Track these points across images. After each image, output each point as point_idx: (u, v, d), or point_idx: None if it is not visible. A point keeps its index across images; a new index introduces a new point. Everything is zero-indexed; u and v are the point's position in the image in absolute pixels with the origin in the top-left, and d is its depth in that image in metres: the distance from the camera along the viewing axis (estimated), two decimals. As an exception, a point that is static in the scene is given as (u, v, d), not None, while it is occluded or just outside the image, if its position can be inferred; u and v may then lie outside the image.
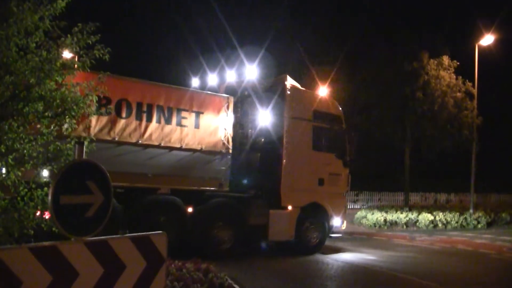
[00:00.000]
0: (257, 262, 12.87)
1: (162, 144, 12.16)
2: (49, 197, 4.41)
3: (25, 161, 7.27)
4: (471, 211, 28.08)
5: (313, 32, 32.14)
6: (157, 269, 5.29)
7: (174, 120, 12.36)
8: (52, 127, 7.49)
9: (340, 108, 16.37)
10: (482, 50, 29.24)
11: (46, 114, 7.35)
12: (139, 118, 11.75)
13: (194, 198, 12.91)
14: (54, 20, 7.54)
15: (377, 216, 25.82)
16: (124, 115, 11.55)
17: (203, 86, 15.62)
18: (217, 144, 13.20)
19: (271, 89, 14.89)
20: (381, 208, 29.12)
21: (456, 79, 29.49)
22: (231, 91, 14.73)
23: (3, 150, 6.95)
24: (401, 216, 25.63)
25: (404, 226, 25.15)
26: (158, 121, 12.10)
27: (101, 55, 7.84)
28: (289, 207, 14.56)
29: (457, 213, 27.02)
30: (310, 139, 15.15)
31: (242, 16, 30.32)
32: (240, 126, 14.10)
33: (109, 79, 10.57)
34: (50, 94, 7.16)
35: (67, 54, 7.97)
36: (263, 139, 14.74)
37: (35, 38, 7.28)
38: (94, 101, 8.15)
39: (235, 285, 9.09)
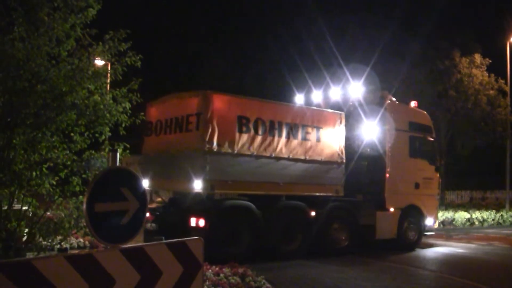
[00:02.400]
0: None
1: (290, 157, 13.29)
2: (84, 205, 4.37)
3: (59, 170, 7.30)
4: (507, 208, 27.64)
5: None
6: (194, 275, 5.23)
7: (300, 135, 13.56)
8: (85, 135, 7.54)
9: (429, 119, 17.92)
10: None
11: (80, 122, 7.38)
12: (271, 134, 12.94)
13: (316, 202, 14.05)
14: (85, 28, 7.58)
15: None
16: (260, 132, 12.73)
17: (308, 103, 16.89)
18: (334, 155, 14.38)
19: (373, 104, 16.13)
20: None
21: (489, 76, 29.04)
22: (337, 107, 15.93)
23: (37, 159, 6.98)
24: (438, 215, 25.26)
25: (441, 225, 24.82)
26: (287, 137, 13.27)
27: (132, 62, 7.88)
28: (392, 209, 15.85)
29: (493, 211, 26.61)
30: (407, 147, 16.52)
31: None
32: (349, 138, 15.32)
33: (248, 101, 13.00)
34: (83, 102, 7.17)
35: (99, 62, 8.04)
36: (368, 149, 15.99)
37: (66, 46, 7.25)
38: (128, 107, 8.15)
39: (273, 288, 9.03)
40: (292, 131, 13.36)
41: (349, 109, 16.08)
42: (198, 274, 5.25)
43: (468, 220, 24.92)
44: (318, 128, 13.99)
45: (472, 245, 17.78)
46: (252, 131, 12.55)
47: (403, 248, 16.03)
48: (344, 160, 14.64)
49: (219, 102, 12.20)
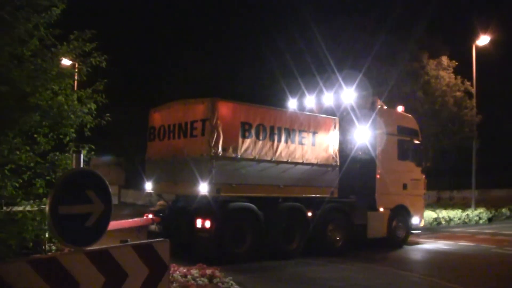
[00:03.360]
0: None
1: (289, 160, 13.91)
2: (47, 207, 4.29)
3: (22, 172, 7.15)
4: (472, 207, 28.10)
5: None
6: (160, 277, 5.18)
7: (297, 139, 14.17)
8: (50, 137, 7.40)
9: (416, 122, 18.84)
10: (480, 50, 29.26)
11: (44, 123, 7.23)
12: (272, 139, 13.57)
13: (312, 204, 14.67)
14: (50, 28, 7.43)
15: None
16: (261, 137, 13.35)
17: (301, 107, 17.65)
18: (329, 158, 15.01)
19: (365, 109, 16.94)
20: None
21: (455, 78, 29.52)
22: (330, 112, 16.64)
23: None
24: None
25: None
26: (286, 141, 13.88)
27: (97, 63, 7.76)
28: (382, 209, 16.69)
29: (460, 210, 27.03)
30: (396, 150, 17.35)
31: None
32: (342, 142, 15.97)
33: (250, 108, 13.52)
34: (47, 103, 7.02)
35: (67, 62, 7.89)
36: (360, 153, 16.67)
37: (30, 46, 7.13)
38: (93, 108, 8.04)
39: (241, 290, 9.00)
40: (290, 136, 14.00)
41: (341, 114, 16.74)
42: (164, 276, 5.21)
43: (435, 219, 25.24)
44: (314, 132, 14.64)
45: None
46: (254, 137, 13.20)
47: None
48: (338, 163, 15.28)
49: (224, 108, 12.76)
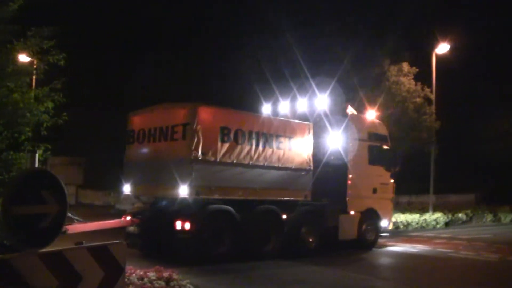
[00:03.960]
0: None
1: (266, 164, 14.26)
2: (0, 208, 4.19)
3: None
4: (430, 212, 28.48)
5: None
6: (116, 279, 5.13)
7: (274, 144, 14.53)
8: (4, 135, 7.22)
9: (386, 128, 19.40)
10: (440, 58, 29.75)
11: (-3, 121, 7.05)
12: (250, 143, 13.87)
13: (287, 206, 14.98)
14: (6, 24, 7.26)
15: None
16: (240, 141, 13.63)
17: (275, 113, 17.88)
18: (303, 162, 15.33)
19: (337, 115, 17.43)
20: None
21: (416, 85, 29.91)
22: (303, 118, 16.93)
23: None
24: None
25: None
26: (263, 146, 14.23)
27: (55, 60, 7.62)
28: (353, 212, 17.15)
29: (418, 214, 27.39)
30: (367, 155, 17.82)
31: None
32: (315, 147, 16.19)
33: (229, 112, 14.04)
34: (1, 101, 6.86)
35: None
36: (333, 157, 17.11)
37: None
38: (50, 107, 7.90)
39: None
40: (267, 141, 14.36)
41: (315, 120, 17.02)
42: (120, 278, 5.16)
43: (394, 223, 25.54)
44: (290, 137, 15.01)
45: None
46: (233, 141, 13.47)
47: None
48: (312, 167, 15.63)
49: (204, 113, 12.99)
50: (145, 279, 8.55)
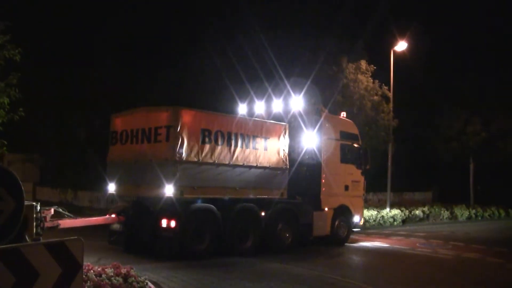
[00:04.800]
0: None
1: (244, 164, 14.91)
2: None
3: None
4: (387, 209, 28.75)
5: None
6: (73, 276, 5.10)
7: (251, 144, 15.18)
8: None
9: (356, 127, 20.19)
10: (397, 56, 30.06)
11: None
12: (229, 144, 14.51)
13: (264, 204, 15.63)
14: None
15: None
16: (220, 142, 14.27)
17: (250, 113, 18.51)
18: (279, 162, 16.03)
19: (311, 116, 18.05)
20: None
21: (373, 83, 30.13)
22: (278, 118, 17.66)
23: None
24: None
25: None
26: (242, 146, 14.85)
27: (11, 56, 7.53)
28: (326, 209, 17.84)
29: (375, 212, 27.60)
30: (339, 154, 18.58)
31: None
32: (290, 146, 16.86)
33: (210, 115, 14.66)
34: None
35: None
36: (307, 156, 17.71)
37: None
38: (6, 103, 7.80)
39: (155, 288, 8.96)
40: (245, 141, 15.03)
41: (290, 120, 17.72)
42: (77, 275, 5.13)
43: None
44: (266, 138, 15.72)
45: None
46: (213, 142, 14.15)
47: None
48: (288, 166, 16.33)
49: (186, 116, 13.62)
50: (103, 276, 8.53)
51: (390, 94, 29.56)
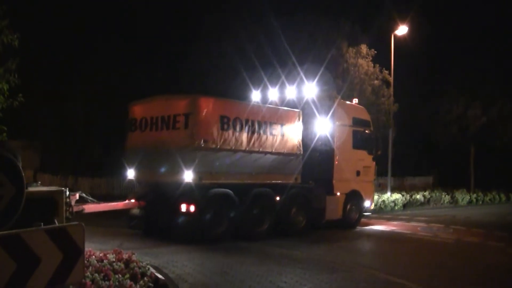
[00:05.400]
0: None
1: (261, 150, 15.25)
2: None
3: None
4: (388, 193, 28.74)
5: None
6: (75, 261, 5.09)
7: (267, 131, 15.53)
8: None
9: (368, 114, 20.59)
10: (398, 40, 29.91)
11: None
12: (246, 131, 14.83)
13: (279, 189, 15.98)
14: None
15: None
16: (237, 129, 14.57)
17: (264, 100, 18.75)
18: (294, 148, 16.35)
19: (324, 102, 18.36)
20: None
21: (374, 67, 30.06)
22: (291, 105, 17.87)
23: None
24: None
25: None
26: (258, 132, 15.20)
27: (9, 41, 7.46)
28: (338, 194, 18.27)
29: (376, 196, 27.53)
30: (351, 140, 18.94)
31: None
32: (304, 133, 17.08)
33: (228, 102, 15.14)
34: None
35: None
36: (320, 143, 18.07)
37: None
38: (5, 89, 7.75)
39: (158, 274, 8.94)
40: (262, 128, 15.35)
41: (303, 107, 17.88)
42: (79, 260, 5.12)
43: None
44: (281, 124, 16.01)
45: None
46: (232, 129, 14.44)
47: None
48: (302, 152, 16.64)
49: (205, 104, 13.89)
50: (105, 261, 8.53)
51: (391, 79, 29.48)
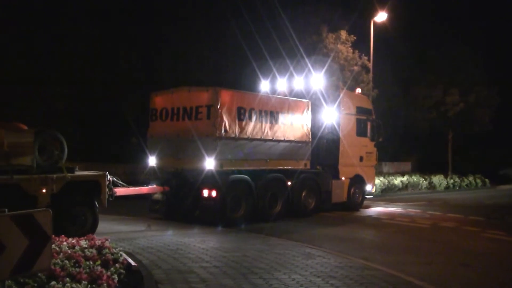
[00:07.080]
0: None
1: (274, 138, 16.51)
2: None
3: None
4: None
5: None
6: (42, 248, 5.03)
7: (279, 120, 16.73)
8: None
9: (370, 102, 22.22)
10: (377, 26, 29.95)
11: None
12: (260, 120, 16.07)
13: (291, 174, 17.32)
14: None
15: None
16: (253, 119, 15.78)
17: (273, 90, 19.86)
18: (303, 136, 17.65)
19: (331, 92, 19.69)
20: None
21: (353, 53, 30.10)
22: (299, 95, 19.08)
23: None
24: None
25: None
26: (271, 122, 16.42)
27: None
28: (343, 178, 19.75)
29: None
30: (355, 128, 20.37)
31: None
32: (312, 122, 18.27)
33: (244, 94, 16.19)
34: None
35: None
36: (327, 131, 19.39)
37: None
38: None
39: (130, 260, 8.86)
40: (274, 118, 16.56)
41: (311, 97, 19.00)
42: (46, 247, 5.04)
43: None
44: (292, 114, 17.24)
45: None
46: (248, 119, 15.65)
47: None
48: (310, 140, 17.94)
49: (225, 96, 14.94)
50: (77, 247, 8.40)
51: (370, 65, 29.58)
